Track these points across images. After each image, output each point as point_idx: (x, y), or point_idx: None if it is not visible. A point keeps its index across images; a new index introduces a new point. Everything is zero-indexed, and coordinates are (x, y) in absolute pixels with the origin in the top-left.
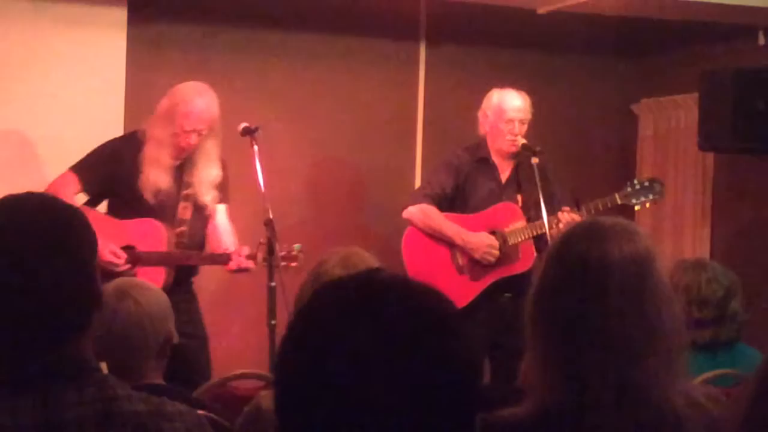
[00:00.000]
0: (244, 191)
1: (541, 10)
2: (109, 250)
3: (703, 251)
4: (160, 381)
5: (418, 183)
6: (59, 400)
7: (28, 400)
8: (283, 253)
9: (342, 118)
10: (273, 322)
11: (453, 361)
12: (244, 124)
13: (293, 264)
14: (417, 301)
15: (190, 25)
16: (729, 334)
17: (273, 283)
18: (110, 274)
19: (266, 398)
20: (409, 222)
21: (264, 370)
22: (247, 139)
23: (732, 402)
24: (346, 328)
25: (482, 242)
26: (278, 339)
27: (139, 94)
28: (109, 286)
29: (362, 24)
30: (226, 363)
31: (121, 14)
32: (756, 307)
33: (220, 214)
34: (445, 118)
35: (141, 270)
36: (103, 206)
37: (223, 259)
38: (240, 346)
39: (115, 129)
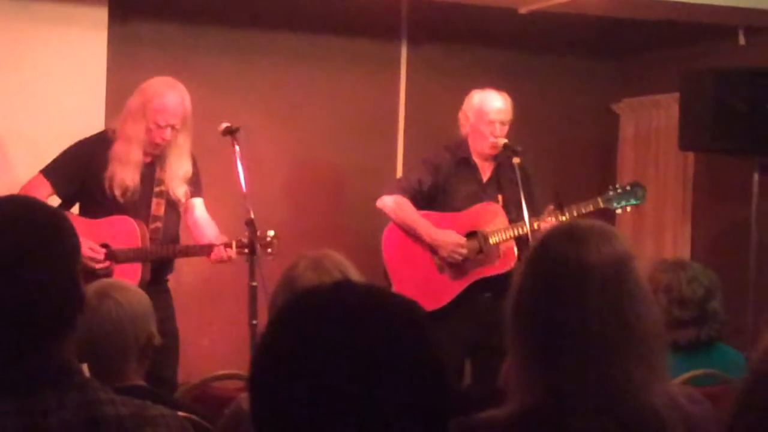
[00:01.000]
0: (225, 191)
1: (522, 10)
2: (88, 246)
3: (684, 250)
4: (141, 382)
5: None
6: (41, 404)
7: (10, 405)
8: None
9: (323, 117)
10: (254, 322)
11: (425, 368)
12: (225, 124)
13: (269, 250)
14: (388, 310)
15: (171, 24)
16: (709, 333)
17: (254, 283)
18: (89, 271)
19: (247, 399)
20: (381, 211)
21: (245, 371)
22: (228, 138)
23: (715, 406)
24: (316, 337)
25: (449, 240)
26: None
27: (120, 93)
28: (90, 288)
29: (344, 23)
30: (206, 363)
31: (101, 14)
32: (735, 306)
33: (199, 208)
34: (427, 117)
35: (117, 267)
36: (75, 209)
37: (204, 250)
38: (221, 346)
39: (96, 128)
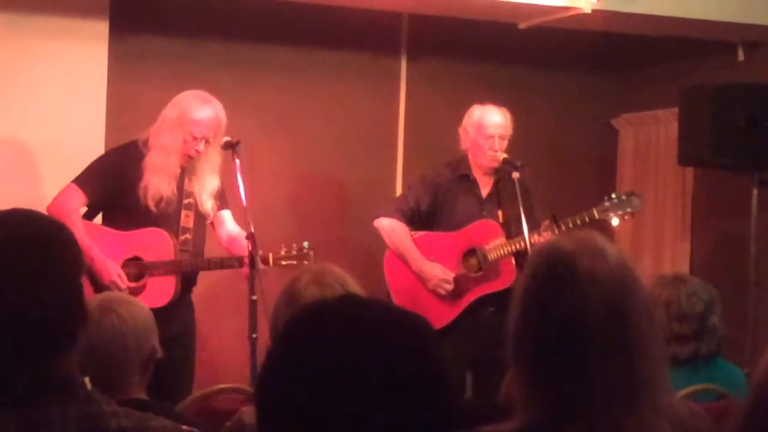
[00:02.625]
0: None
1: (522, 25)
2: (116, 272)
3: (683, 265)
4: (143, 396)
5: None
6: (44, 417)
7: (13, 418)
8: (294, 252)
9: (323, 131)
10: (254, 335)
11: (435, 383)
12: (225, 138)
13: (306, 263)
14: (398, 325)
15: (172, 38)
16: (709, 348)
17: (254, 297)
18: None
19: (248, 413)
20: (377, 231)
21: (245, 384)
22: (229, 152)
23: (716, 422)
24: (326, 351)
25: (435, 275)
26: (259, 353)
27: (121, 106)
28: (93, 301)
29: (344, 38)
30: (207, 377)
31: (102, 27)
32: (734, 321)
33: (229, 220)
34: (426, 131)
35: (151, 280)
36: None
37: (236, 262)
38: (221, 359)
39: (96, 141)
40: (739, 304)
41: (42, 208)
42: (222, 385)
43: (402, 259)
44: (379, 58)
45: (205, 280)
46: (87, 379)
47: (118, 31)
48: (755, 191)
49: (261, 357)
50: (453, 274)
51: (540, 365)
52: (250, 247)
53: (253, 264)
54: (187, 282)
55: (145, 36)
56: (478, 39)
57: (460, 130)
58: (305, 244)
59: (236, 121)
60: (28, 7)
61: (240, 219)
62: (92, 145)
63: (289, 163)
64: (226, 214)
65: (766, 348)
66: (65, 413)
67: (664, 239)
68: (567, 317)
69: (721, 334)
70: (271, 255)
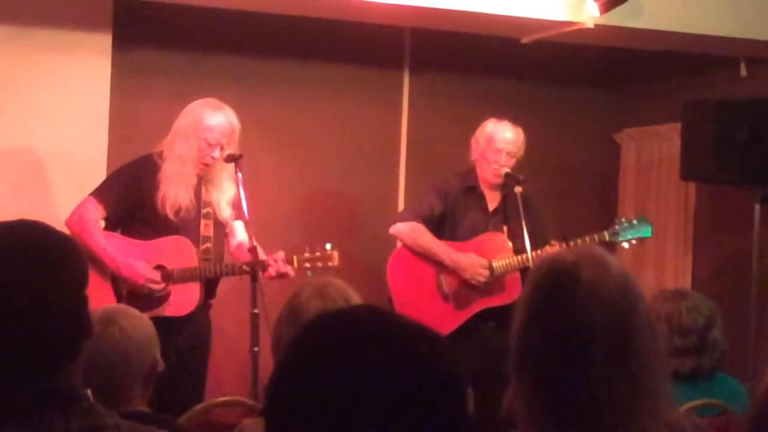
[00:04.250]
0: None
1: (524, 40)
2: (147, 271)
3: (685, 280)
4: (145, 408)
5: (401, 210)
6: (48, 428)
7: (17, 429)
8: (318, 254)
9: (326, 145)
10: (256, 349)
11: (450, 397)
12: (228, 151)
13: (330, 264)
14: (413, 338)
15: (175, 51)
16: (710, 363)
17: (256, 310)
18: (147, 295)
19: (250, 426)
20: (396, 238)
21: (247, 397)
22: (231, 166)
23: None
24: (338, 364)
25: (472, 263)
26: (261, 366)
27: (123, 120)
28: (95, 314)
29: (347, 52)
30: (209, 390)
31: (105, 40)
32: (736, 337)
33: (240, 232)
34: (429, 145)
35: (175, 288)
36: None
37: (261, 266)
38: (222, 372)
39: (99, 155)
40: (742, 319)
41: (46, 220)
42: (224, 398)
43: (430, 256)
44: (381, 72)
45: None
46: (89, 392)
47: (121, 45)
48: (757, 206)
49: (263, 370)
50: (487, 262)
51: (542, 376)
52: (251, 260)
53: (254, 277)
54: (209, 290)
55: (148, 49)
56: (480, 53)
57: (472, 140)
58: (328, 245)
59: (239, 135)
60: (32, 20)
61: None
62: (95, 158)
63: (292, 177)
64: (239, 225)
65: None
66: (68, 425)
67: (667, 254)
68: (570, 328)
69: (722, 348)
70: (295, 257)
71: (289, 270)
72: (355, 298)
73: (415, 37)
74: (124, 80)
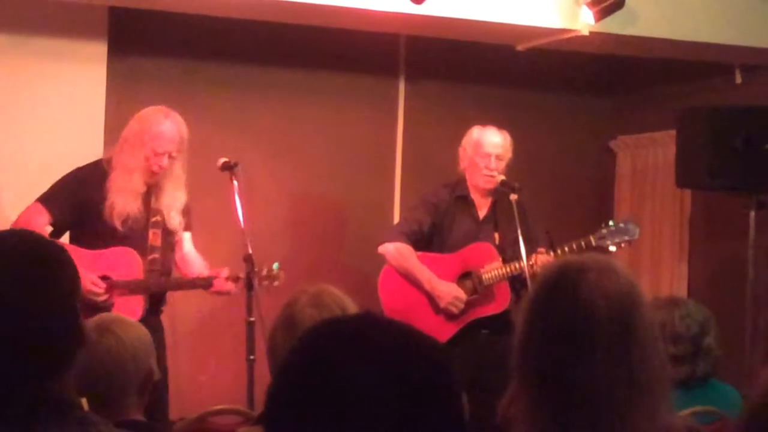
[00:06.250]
0: (223, 227)
1: (519, 47)
2: (89, 279)
3: (681, 287)
4: (140, 417)
5: (396, 218)
6: None
7: None
8: (263, 273)
9: (321, 153)
10: (251, 357)
11: (444, 399)
12: (223, 160)
13: (275, 283)
14: (416, 346)
15: (170, 60)
16: (704, 369)
17: (252, 318)
18: (90, 304)
19: None
20: (383, 257)
21: (242, 406)
22: (227, 174)
23: None
24: (341, 372)
25: (449, 293)
26: (257, 374)
27: (119, 127)
28: (91, 322)
29: (342, 60)
30: (204, 398)
31: (101, 48)
32: (731, 343)
33: (187, 243)
34: (424, 152)
35: (120, 299)
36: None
37: (205, 282)
38: (218, 381)
39: None
40: (737, 326)
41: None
42: (219, 406)
43: (413, 279)
44: (377, 80)
45: (201, 302)
46: (84, 400)
47: (116, 53)
48: (753, 213)
49: (258, 379)
50: (464, 295)
51: (544, 373)
52: (246, 269)
53: (250, 286)
54: (155, 302)
55: (143, 57)
56: (475, 61)
57: (459, 149)
58: (274, 265)
59: (234, 143)
60: (28, 28)
61: (237, 240)
62: None
63: (287, 185)
64: (186, 236)
65: (763, 370)
66: None
67: (662, 261)
68: (572, 327)
69: (716, 355)
70: (240, 275)
71: (231, 288)
72: (351, 307)
73: (410, 44)
74: (119, 88)
